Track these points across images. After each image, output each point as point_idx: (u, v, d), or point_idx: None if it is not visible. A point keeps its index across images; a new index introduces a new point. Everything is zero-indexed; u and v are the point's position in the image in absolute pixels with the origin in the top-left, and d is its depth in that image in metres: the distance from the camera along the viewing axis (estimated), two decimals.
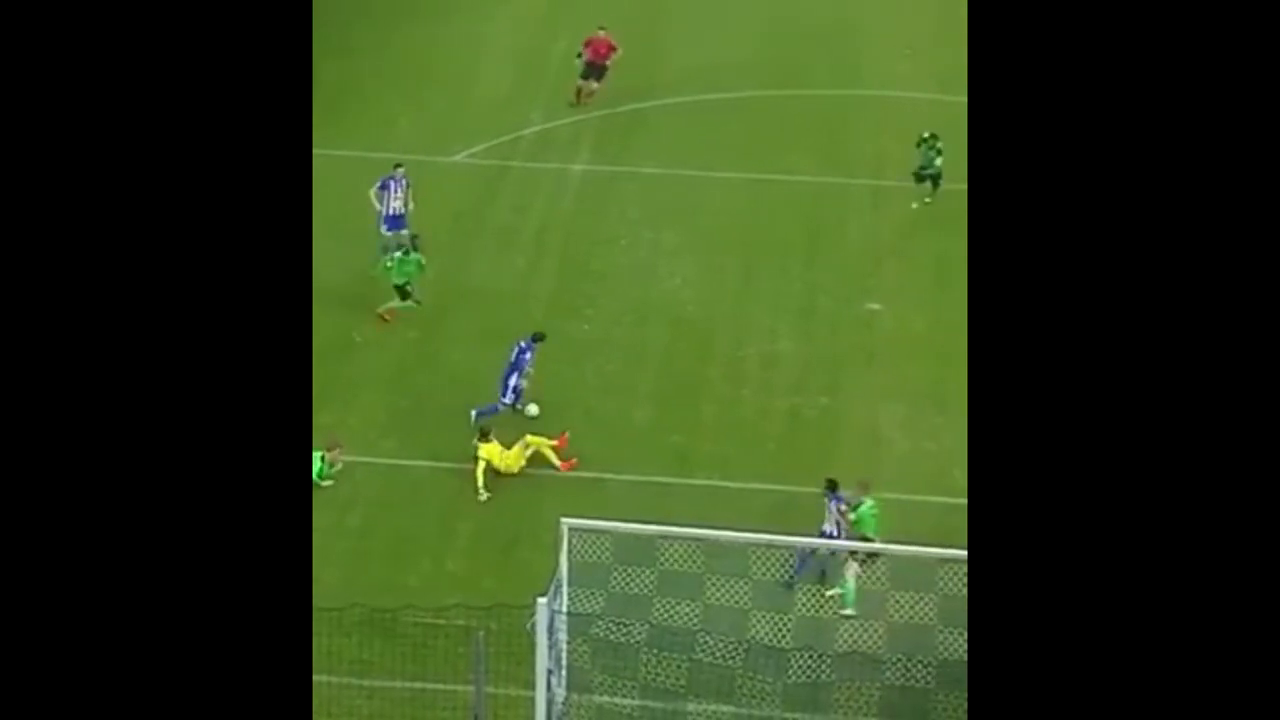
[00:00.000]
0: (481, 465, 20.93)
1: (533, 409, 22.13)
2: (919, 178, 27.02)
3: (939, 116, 30.43)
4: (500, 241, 26.87)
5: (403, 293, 24.14)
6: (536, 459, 21.29)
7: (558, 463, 21.32)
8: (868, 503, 19.23)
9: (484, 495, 20.87)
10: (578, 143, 29.57)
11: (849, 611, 18.58)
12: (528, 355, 22.13)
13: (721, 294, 25.64)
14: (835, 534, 18.99)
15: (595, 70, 30.12)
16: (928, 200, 27.01)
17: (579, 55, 30.22)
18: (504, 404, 22.03)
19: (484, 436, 21.13)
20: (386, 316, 24.22)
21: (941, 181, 26.72)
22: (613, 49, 30.04)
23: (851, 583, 18.69)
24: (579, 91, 30.23)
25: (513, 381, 21.98)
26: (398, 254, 24.09)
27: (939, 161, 26.73)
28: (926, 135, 26.96)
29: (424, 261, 24.20)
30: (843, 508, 19.15)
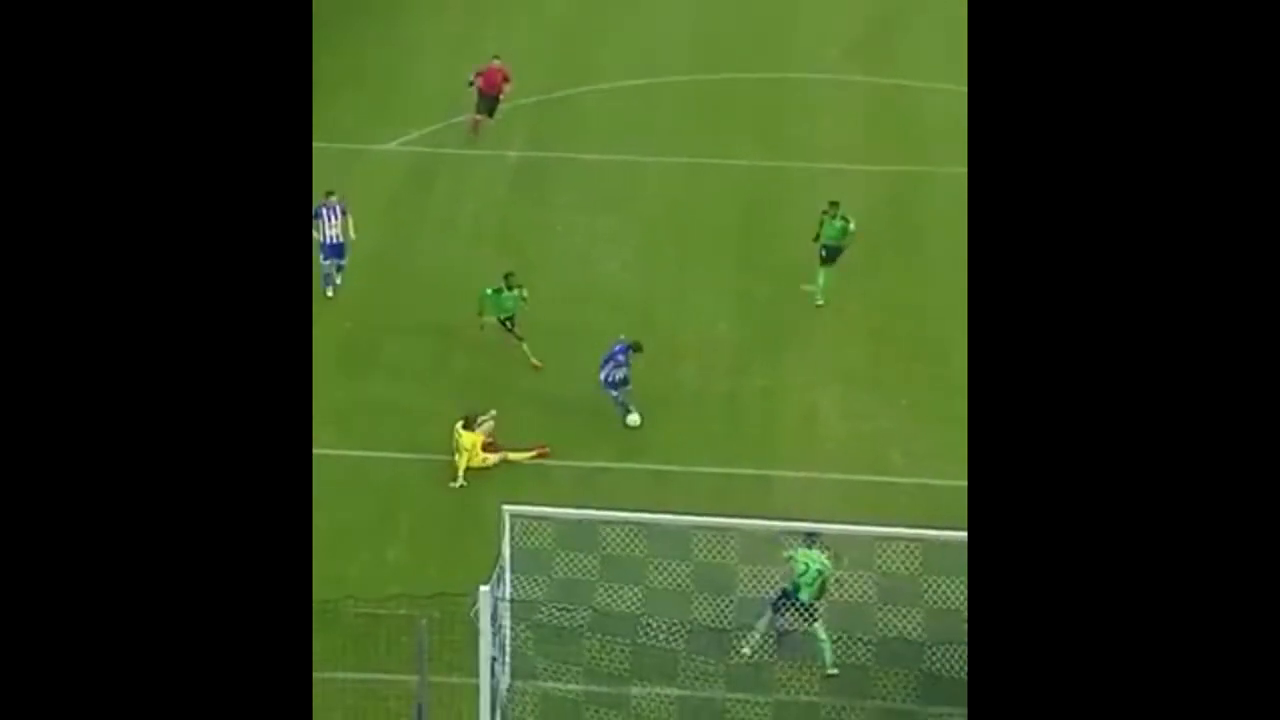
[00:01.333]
0: (465, 456, 20.90)
1: (634, 419, 21.96)
2: (823, 259, 24.58)
3: (869, 98, 30.69)
4: (436, 229, 26.78)
5: (507, 326, 23.25)
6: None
7: (533, 453, 21.43)
8: (803, 550, 17.83)
9: (459, 482, 20.86)
10: (512, 129, 29.47)
11: (833, 671, 17.67)
12: (621, 358, 21.93)
13: (659, 278, 25.70)
14: (793, 591, 17.71)
15: (487, 102, 28.53)
16: (810, 288, 24.80)
17: (470, 83, 28.52)
18: (615, 398, 22.03)
19: (468, 424, 21.08)
20: (536, 363, 23.16)
21: (842, 253, 24.53)
22: (506, 79, 28.51)
23: (822, 632, 17.73)
24: (475, 124, 28.80)
25: (604, 374, 21.89)
26: (488, 291, 23.14)
27: (844, 229, 24.42)
28: (827, 207, 24.65)
29: (525, 295, 23.17)
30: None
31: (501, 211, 27.45)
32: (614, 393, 22.05)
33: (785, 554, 17.87)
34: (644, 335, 22.63)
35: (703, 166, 28.59)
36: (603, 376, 22.02)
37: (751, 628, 17.82)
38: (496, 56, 28.99)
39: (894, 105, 30.42)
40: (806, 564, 17.72)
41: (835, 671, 17.64)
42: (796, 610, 17.70)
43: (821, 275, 24.69)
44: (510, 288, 23.16)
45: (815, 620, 17.72)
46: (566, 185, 28.11)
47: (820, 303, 24.71)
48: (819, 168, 28.31)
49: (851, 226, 24.47)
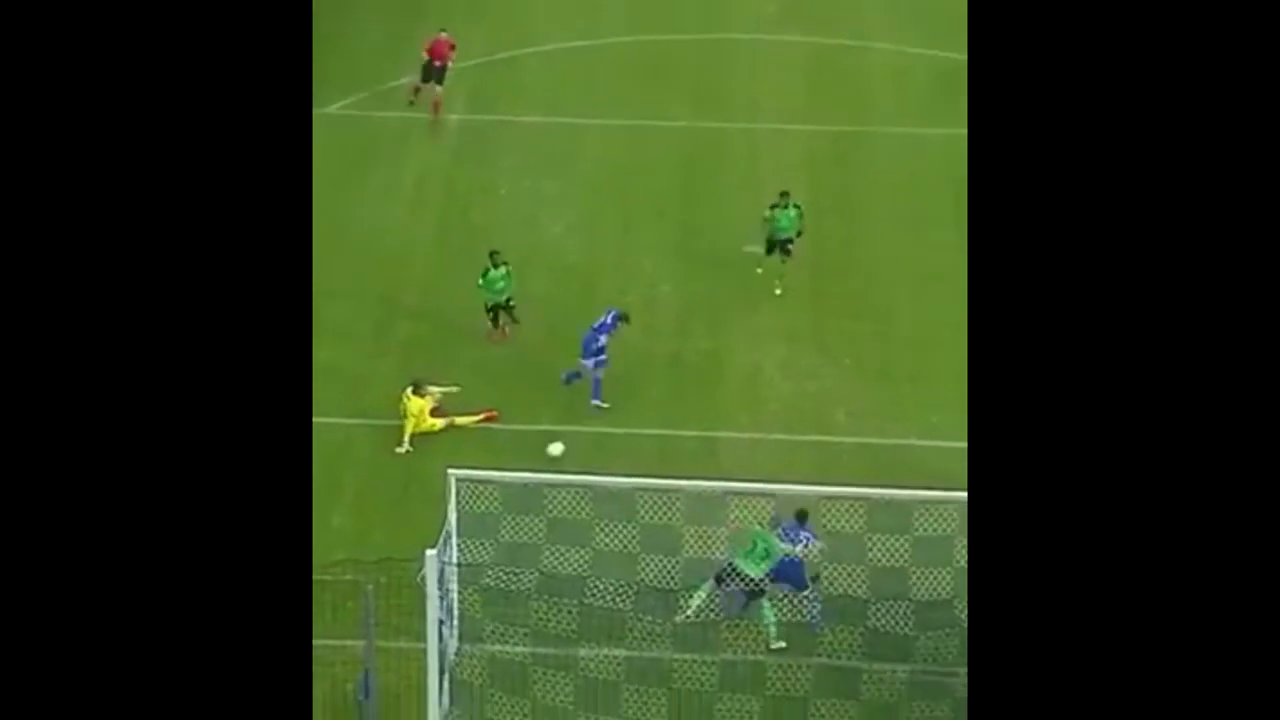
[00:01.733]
0: (413, 422, 20.87)
1: (556, 448, 20.75)
2: (769, 247, 24.14)
3: (808, 58, 30.72)
4: (378, 194, 26.64)
5: (500, 310, 22.85)
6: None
7: (480, 417, 21.39)
8: (761, 531, 17.71)
9: (405, 448, 20.84)
10: (453, 92, 29.30)
11: (779, 645, 17.71)
12: (609, 330, 21.71)
13: (602, 240, 25.70)
14: (797, 562, 17.69)
15: (436, 72, 28.50)
16: (752, 249, 24.50)
17: (425, 61, 28.44)
18: (585, 367, 21.73)
19: (417, 390, 21.03)
20: (503, 333, 22.98)
21: (793, 245, 24.02)
22: (452, 48, 28.56)
23: (767, 605, 17.75)
24: (416, 90, 28.71)
25: (595, 345, 21.66)
26: (479, 280, 22.74)
27: (799, 215, 23.96)
28: (779, 200, 24.06)
29: (510, 271, 22.79)
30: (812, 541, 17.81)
31: (444, 175, 27.33)
32: (585, 360, 21.84)
33: (755, 527, 17.68)
34: (588, 298, 22.66)
35: (644, 128, 28.55)
36: (585, 342, 21.86)
37: (696, 589, 17.91)
38: (443, 29, 28.89)
39: (833, 64, 30.47)
40: (755, 541, 17.58)
41: (782, 644, 17.73)
42: (738, 580, 17.58)
43: (771, 259, 24.30)
44: (496, 265, 22.83)
45: (762, 595, 17.72)
46: (509, 148, 28.01)
47: (776, 287, 24.33)
48: (759, 128, 28.37)
49: (802, 209, 24.14)
